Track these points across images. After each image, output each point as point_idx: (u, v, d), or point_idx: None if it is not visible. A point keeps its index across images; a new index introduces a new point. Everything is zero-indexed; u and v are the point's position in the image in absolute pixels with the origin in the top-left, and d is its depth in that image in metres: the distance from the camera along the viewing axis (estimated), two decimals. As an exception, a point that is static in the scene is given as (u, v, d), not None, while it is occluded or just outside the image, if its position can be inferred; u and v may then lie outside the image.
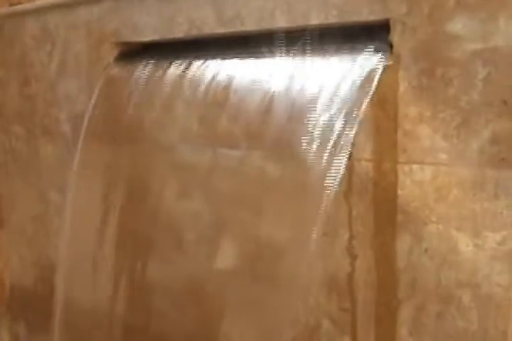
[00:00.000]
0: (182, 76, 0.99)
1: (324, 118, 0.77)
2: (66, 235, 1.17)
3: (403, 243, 0.76)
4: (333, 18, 0.79)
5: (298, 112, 0.82)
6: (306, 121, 0.79)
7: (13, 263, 1.55)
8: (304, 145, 0.79)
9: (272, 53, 0.87)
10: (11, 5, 1.39)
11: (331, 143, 0.75)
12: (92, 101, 1.14)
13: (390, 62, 0.74)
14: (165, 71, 1.02)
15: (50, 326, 1.21)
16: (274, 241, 0.87)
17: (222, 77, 0.94)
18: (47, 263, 1.38)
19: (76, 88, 1.23)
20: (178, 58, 1.02)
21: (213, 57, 0.96)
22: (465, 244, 0.70)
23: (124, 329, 1.13)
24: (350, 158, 0.76)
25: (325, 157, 0.76)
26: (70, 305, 1.20)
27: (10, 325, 1.58)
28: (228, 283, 0.95)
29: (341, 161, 0.74)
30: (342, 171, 0.74)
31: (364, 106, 0.74)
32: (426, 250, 0.74)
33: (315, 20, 0.81)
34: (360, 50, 0.76)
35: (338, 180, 0.74)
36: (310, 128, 0.79)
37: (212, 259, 0.98)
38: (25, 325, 1.53)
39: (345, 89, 0.76)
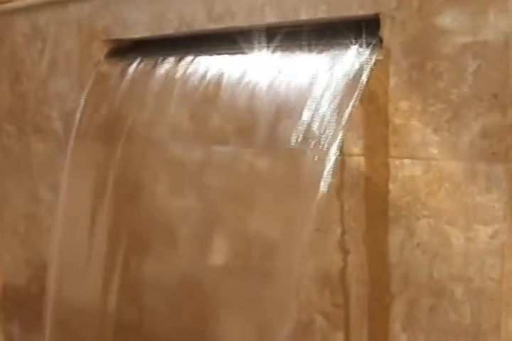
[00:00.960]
0: (173, 72, 0.99)
1: (315, 113, 0.77)
2: (58, 233, 1.17)
3: (395, 237, 0.76)
4: (322, 13, 0.79)
5: (288, 108, 0.82)
6: (296, 116, 0.79)
7: (6, 262, 1.54)
8: (295, 141, 0.79)
9: (262, 49, 0.87)
10: (1, 3, 1.38)
11: (322, 138, 0.75)
12: (83, 99, 1.14)
13: (380, 57, 0.74)
14: (156, 68, 1.02)
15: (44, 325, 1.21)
16: (267, 238, 0.87)
17: (213, 73, 0.93)
18: (40, 262, 1.38)
19: (67, 85, 1.23)
20: (168, 55, 1.01)
21: (204, 54, 0.96)
22: (457, 238, 0.70)
23: (117, 327, 1.13)
24: (341, 153, 0.76)
25: (316, 152, 0.76)
26: (63, 303, 1.20)
27: (4, 324, 1.58)
28: (221, 279, 0.95)
29: (332, 156, 0.74)
30: (333, 166, 0.74)
31: (354, 101, 0.74)
32: (418, 244, 0.74)
33: (304, 15, 0.81)
34: (351, 45, 0.76)
35: (329, 176, 0.74)
36: (301, 123, 0.79)
37: (205, 256, 0.97)
38: (19, 324, 1.53)
39: (336, 84, 0.76)
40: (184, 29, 0.98)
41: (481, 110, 0.67)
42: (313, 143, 0.77)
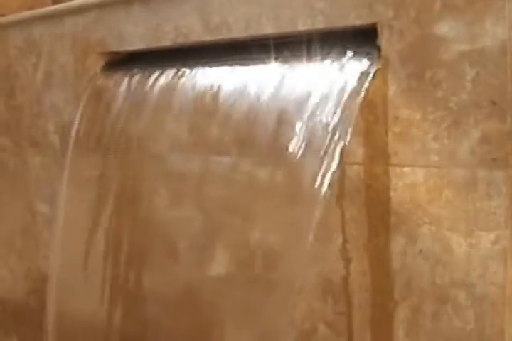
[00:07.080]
0: (170, 84, 1.00)
1: (315, 123, 0.78)
2: (57, 246, 1.17)
3: (397, 245, 0.76)
4: (320, 23, 0.80)
5: (288, 118, 0.82)
6: (296, 126, 0.80)
7: (3, 276, 1.54)
8: (295, 151, 0.80)
9: (260, 60, 0.87)
10: (-6, 17, 1.38)
11: (323, 147, 0.76)
12: (79, 112, 1.14)
13: (379, 66, 0.74)
14: (153, 80, 1.02)
15: (44, 340, 1.21)
16: (268, 247, 0.88)
17: (210, 84, 0.94)
18: (38, 275, 1.38)
19: (63, 99, 1.23)
20: (165, 67, 1.02)
21: (201, 65, 0.97)
22: (459, 244, 0.71)
23: (119, 339, 1.12)
24: (341, 162, 0.76)
25: (316, 162, 0.76)
26: (63, 317, 1.19)
27: (2, 339, 1.57)
28: (223, 289, 0.95)
29: (333, 166, 0.75)
30: (334, 175, 0.75)
31: (354, 110, 0.74)
32: (420, 251, 0.74)
33: (302, 26, 0.82)
34: (349, 55, 0.77)
35: (330, 185, 0.75)
36: (301, 133, 0.79)
37: (206, 266, 0.98)
38: (17, 339, 1.52)
39: (335, 94, 0.76)
40: (180, 41, 0.98)
41: (480, 117, 0.67)
42: (313, 152, 0.77)
